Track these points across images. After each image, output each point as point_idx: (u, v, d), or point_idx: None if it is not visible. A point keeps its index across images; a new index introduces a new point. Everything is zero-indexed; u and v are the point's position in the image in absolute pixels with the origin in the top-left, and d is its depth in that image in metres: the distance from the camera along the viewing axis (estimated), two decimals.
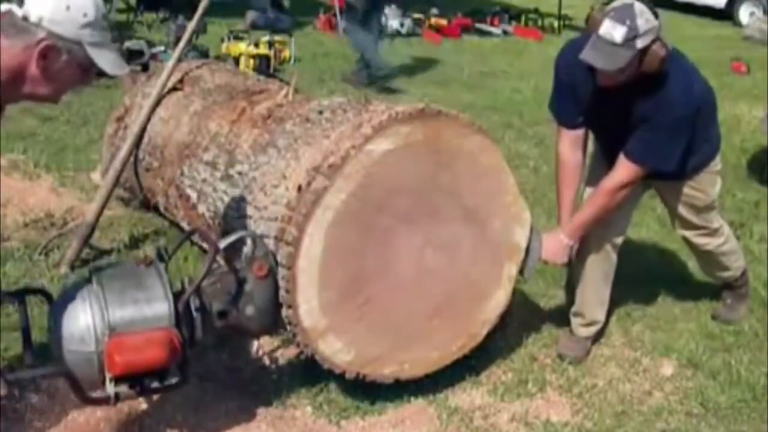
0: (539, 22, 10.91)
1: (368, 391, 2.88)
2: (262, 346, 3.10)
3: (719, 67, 8.34)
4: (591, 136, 3.22)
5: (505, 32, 10.43)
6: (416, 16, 10.03)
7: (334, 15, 9.13)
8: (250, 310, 2.53)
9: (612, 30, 2.68)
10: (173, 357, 2.30)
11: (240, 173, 3.03)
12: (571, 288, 3.50)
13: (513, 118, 6.52)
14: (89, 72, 2.00)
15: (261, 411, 2.80)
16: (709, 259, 3.52)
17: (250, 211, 2.88)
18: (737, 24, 12.64)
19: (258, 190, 2.87)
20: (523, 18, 11.00)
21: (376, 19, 7.42)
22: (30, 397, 2.68)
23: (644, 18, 2.68)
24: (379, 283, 2.72)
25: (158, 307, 2.34)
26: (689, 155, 3.04)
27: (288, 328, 2.67)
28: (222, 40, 7.65)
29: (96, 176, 4.37)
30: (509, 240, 2.95)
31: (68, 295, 2.33)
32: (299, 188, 2.62)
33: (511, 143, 5.82)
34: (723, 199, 4.15)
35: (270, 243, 2.63)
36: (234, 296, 2.51)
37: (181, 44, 3.98)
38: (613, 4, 2.75)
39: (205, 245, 3.10)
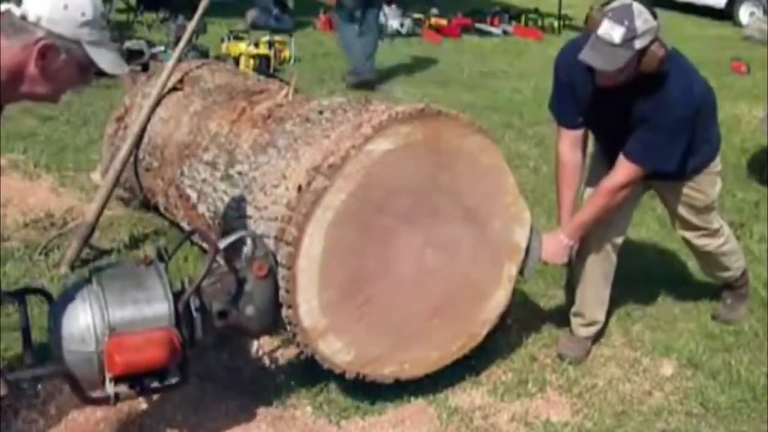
0: (539, 22, 10.91)
1: (368, 391, 2.88)
2: (262, 346, 3.10)
3: (719, 67, 8.34)
4: (591, 136, 3.22)
5: (505, 32, 10.43)
6: (416, 16, 10.04)
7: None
8: (250, 310, 2.53)
9: (610, 30, 2.68)
10: (173, 357, 2.30)
11: (240, 173, 3.03)
12: (571, 288, 3.50)
13: (513, 118, 6.52)
14: (88, 71, 2.00)
15: (261, 411, 2.80)
16: (709, 259, 3.52)
17: (250, 211, 2.88)
18: (737, 24, 12.63)
19: (258, 190, 2.87)
20: (523, 18, 11.00)
21: (373, 19, 7.41)
22: (30, 397, 2.68)
23: (643, 18, 2.68)
24: (379, 283, 2.72)
25: (158, 307, 2.34)
26: (689, 156, 3.04)
27: (288, 328, 2.67)
28: (222, 40, 7.65)
29: (96, 176, 4.37)
30: (509, 240, 2.95)
31: (68, 295, 2.33)
32: (299, 188, 2.62)
33: (511, 143, 5.81)
34: (723, 199, 4.15)
35: (270, 243, 2.63)
36: (234, 296, 2.51)
37: (181, 44, 3.98)
38: (612, 5, 2.75)
39: (205, 245, 3.10)
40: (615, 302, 3.49)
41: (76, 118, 5.51)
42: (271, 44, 7.51)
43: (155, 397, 2.71)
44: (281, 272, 2.58)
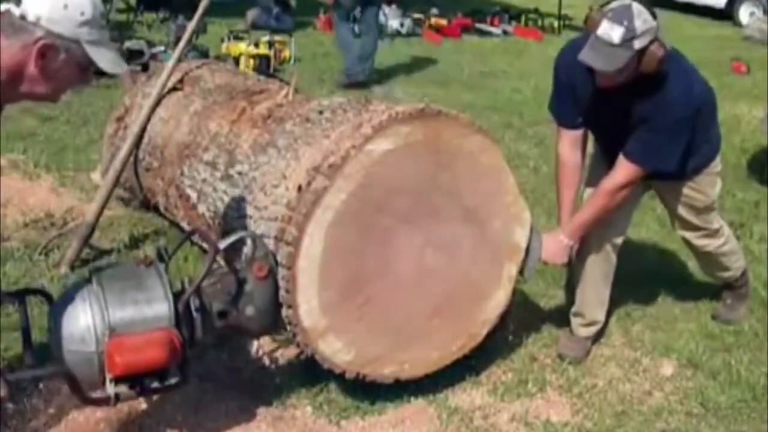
0: (539, 22, 10.92)
1: (368, 391, 2.88)
2: (262, 346, 3.10)
3: (719, 67, 8.35)
4: (591, 136, 3.22)
5: (505, 32, 10.44)
6: (416, 16, 10.04)
7: None
8: (250, 311, 2.53)
9: (610, 31, 2.68)
10: (173, 357, 2.30)
11: (240, 173, 3.03)
12: (571, 288, 3.50)
13: (513, 118, 6.52)
14: (88, 71, 2.00)
15: (261, 411, 2.80)
16: (709, 259, 3.52)
17: (250, 211, 2.88)
18: (737, 24, 12.63)
19: (258, 190, 2.87)
20: (523, 18, 11.01)
21: (372, 19, 7.41)
22: (30, 397, 2.68)
23: (642, 18, 2.68)
24: (379, 283, 2.72)
25: (158, 307, 2.34)
26: (689, 156, 3.04)
27: (288, 328, 2.67)
28: (222, 40, 7.66)
29: (96, 176, 4.37)
30: (509, 240, 2.95)
31: (68, 296, 2.33)
32: (299, 188, 2.62)
33: (511, 143, 5.82)
34: (723, 200, 4.15)
35: (270, 243, 2.63)
36: (234, 297, 2.51)
37: (181, 44, 3.98)
38: (612, 5, 2.75)
39: (205, 245, 3.10)
40: (615, 302, 3.49)
41: (76, 118, 5.51)
42: (271, 44, 7.52)
43: (155, 397, 2.71)
44: (281, 272, 2.58)
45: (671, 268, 4.12)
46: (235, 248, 2.58)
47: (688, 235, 3.39)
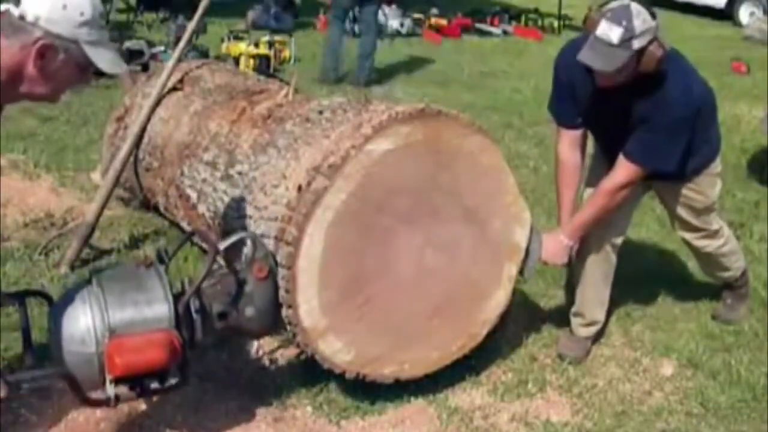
0: (539, 22, 10.93)
1: (368, 391, 2.88)
2: (262, 346, 3.10)
3: (719, 67, 8.35)
4: (591, 136, 3.22)
5: (505, 32, 10.45)
6: (416, 16, 10.05)
7: None
8: (250, 312, 2.53)
9: (609, 31, 2.68)
10: (173, 358, 2.30)
11: (240, 173, 3.03)
12: (571, 288, 3.49)
13: (513, 118, 6.52)
14: (87, 71, 2.00)
15: (261, 411, 2.80)
16: (709, 260, 3.52)
17: (250, 211, 2.88)
18: (737, 24, 12.65)
19: (258, 190, 2.87)
20: (523, 18, 11.02)
21: (371, 18, 7.41)
22: (30, 397, 2.68)
23: (641, 18, 2.68)
24: (379, 283, 2.72)
25: (158, 308, 2.34)
26: (689, 157, 3.04)
27: (288, 328, 2.67)
28: (222, 40, 7.66)
29: (96, 176, 4.37)
30: (509, 240, 2.95)
31: (68, 297, 2.33)
32: (299, 188, 2.62)
33: (511, 143, 5.82)
34: (723, 200, 4.15)
35: (270, 243, 2.63)
36: (234, 297, 2.51)
37: (181, 44, 3.98)
38: (611, 5, 2.75)
39: (205, 246, 3.10)
40: (615, 302, 3.49)
41: (76, 118, 5.51)
42: (271, 44, 7.52)
43: (155, 397, 2.71)
44: (281, 272, 2.57)
45: (671, 268, 4.12)
46: (235, 249, 2.58)
47: (688, 235, 3.39)
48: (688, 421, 2.98)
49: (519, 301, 3.37)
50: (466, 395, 3.01)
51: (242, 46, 7.32)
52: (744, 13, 12.84)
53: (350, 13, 8.05)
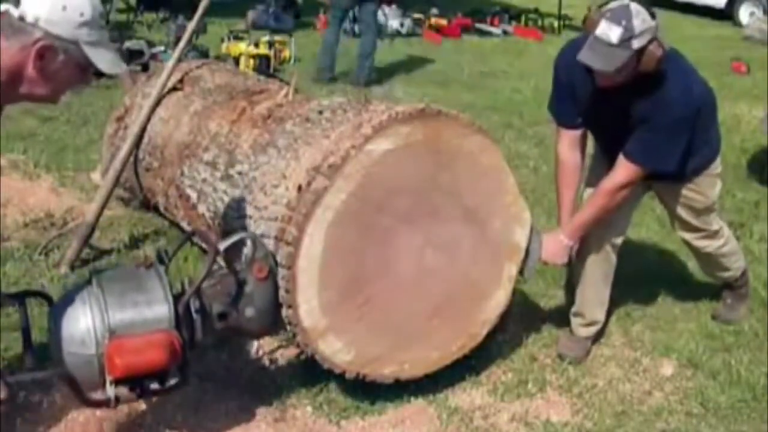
0: (539, 22, 10.93)
1: (368, 391, 2.88)
2: (262, 346, 3.10)
3: (719, 67, 8.35)
4: (591, 136, 3.22)
5: (505, 32, 10.45)
6: (416, 16, 10.05)
7: None
8: (250, 312, 2.53)
9: (608, 31, 2.68)
10: (173, 359, 2.30)
11: (240, 173, 3.03)
12: (571, 288, 3.49)
13: (513, 118, 6.52)
14: (87, 72, 1.99)
15: (261, 411, 2.80)
16: (708, 260, 3.52)
17: (250, 211, 2.88)
18: (737, 24, 12.65)
19: (258, 190, 2.87)
20: (523, 18, 11.02)
21: (371, 18, 7.41)
22: (30, 397, 2.68)
23: (640, 18, 2.68)
24: (379, 283, 2.72)
25: (158, 309, 2.34)
26: (689, 157, 3.04)
27: (288, 328, 2.67)
28: (222, 40, 7.66)
29: (96, 176, 4.37)
30: (509, 240, 2.95)
31: (68, 298, 2.33)
32: (299, 188, 2.62)
33: (511, 143, 5.82)
34: (723, 200, 4.15)
35: (270, 243, 2.63)
36: (234, 298, 2.51)
37: (181, 44, 3.98)
38: (610, 5, 2.75)
39: (205, 246, 3.10)
40: (615, 302, 3.49)
41: (76, 118, 5.51)
42: (271, 44, 7.53)
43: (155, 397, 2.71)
44: (281, 272, 2.57)
45: (671, 268, 4.12)
46: (235, 249, 2.58)
47: (688, 236, 3.38)
48: (688, 421, 2.98)
49: (519, 301, 3.37)
50: (466, 395, 3.01)
51: (242, 46, 7.32)
52: (744, 13, 12.84)
53: (350, 13, 8.05)
